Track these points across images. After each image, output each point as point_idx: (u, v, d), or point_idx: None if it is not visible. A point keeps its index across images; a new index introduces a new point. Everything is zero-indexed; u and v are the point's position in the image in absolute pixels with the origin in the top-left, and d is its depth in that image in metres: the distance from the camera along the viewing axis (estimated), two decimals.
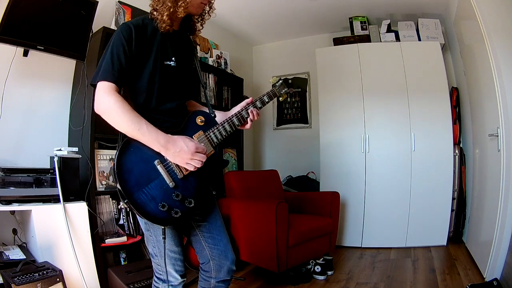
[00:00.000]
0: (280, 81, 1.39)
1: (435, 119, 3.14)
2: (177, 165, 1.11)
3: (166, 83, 1.19)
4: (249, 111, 1.27)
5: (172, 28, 1.20)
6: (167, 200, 1.08)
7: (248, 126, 1.30)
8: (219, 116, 1.30)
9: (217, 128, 1.22)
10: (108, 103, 1.04)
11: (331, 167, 3.44)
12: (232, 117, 1.25)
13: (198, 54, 1.44)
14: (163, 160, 1.10)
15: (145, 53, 1.15)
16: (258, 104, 1.30)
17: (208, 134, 1.20)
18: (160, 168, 1.09)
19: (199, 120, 1.22)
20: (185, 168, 1.12)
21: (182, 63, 1.26)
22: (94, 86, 1.09)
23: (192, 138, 1.16)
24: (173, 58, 1.21)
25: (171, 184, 1.09)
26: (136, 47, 1.12)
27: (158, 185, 1.09)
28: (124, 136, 1.10)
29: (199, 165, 1.11)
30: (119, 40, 1.10)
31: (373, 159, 3.25)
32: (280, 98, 1.38)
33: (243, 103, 1.30)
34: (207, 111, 1.29)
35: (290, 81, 1.46)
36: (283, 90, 1.38)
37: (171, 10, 1.14)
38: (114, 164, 1.06)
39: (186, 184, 1.12)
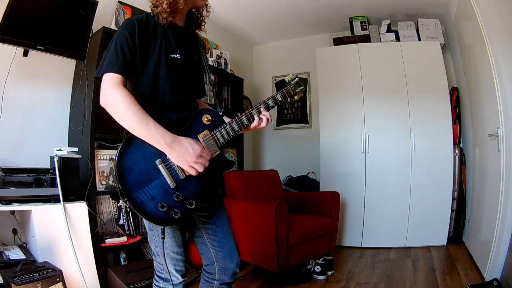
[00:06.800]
0: (296, 78, 1.32)
1: (435, 119, 3.14)
2: (179, 166, 1.09)
3: (173, 76, 1.17)
4: (261, 109, 1.22)
5: (174, 20, 1.18)
6: (167, 201, 1.07)
7: (263, 124, 1.23)
8: (227, 119, 1.26)
9: (224, 127, 1.17)
10: (115, 96, 1.02)
11: (331, 167, 3.43)
12: (241, 116, 1.20)
13: (207, 56, 1.39)
14: (164, 159, 1.08)
15: (149, 46, 1.14)
16: (271, 103, 1.24)
17: (214, 133, 1.16)
18: (161, 167, 1.08)
19: (206, 119, 1.17)
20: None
21: (188, 57, 1.23)
22: (99, 79, 1.07)
23: (198, 137, 1.13)
24: (178, 51, 1.19)
25: (172, 185, 1.08)
26: (140, 41, 1.11)
27: (159, 185, 1.07)
28: (128, 133, 1.08)
29: (201, 170, 1.08)
30: (122, 33, 1.10)
31: (373, 159, 3.25)
32: (296, 97, 1.31)
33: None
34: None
35: (295, 76, 1.38)
36: (299, 89, 1.30)
37: (171, 0, 1.14)
38: (114, 162, 1.05)
39: (188, 185, 1.10)
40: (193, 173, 1.08)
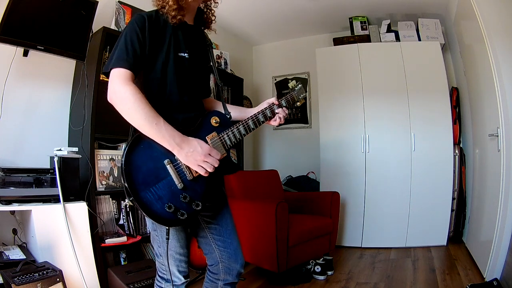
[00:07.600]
0: (300, 85, 1.33)
1: (435, 119, 3.14)
2: (187, 166, 1.08)
3: (180, 76, 1.16)
4: (276, 110, 1.25)
5: (183, 18, 1.17)
6: (174, 201, 1.05)
7: (277, 122, 1.26)
8: (235, 112, 1.27)
9: (231, 130, 1.17)
10: (124, 93, 1.00)
11: (331, 167, 3.43)
12: (248, 120, 1.20)
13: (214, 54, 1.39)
14: (173, 159, 1.07)
15: (158, 44, 1.12)
16: (276, 108, 1.26)
17: (222, 136, 1.16)
18: (169, 167, 1.06)
19: (214, 121, 1.18)
20: (195, 170, 1.09)
21: (196, 57, 1.22)
22: (107, 75, 1.05)
23: (206, 138, 1.13)
24: (186, 50, 1.17)
25: (179, 185, 1.07)
26: (150, 36, 1.09)
27: (166, 185, 1.06)
28: (135, 131, 1.07)
29: (210, 169, 1.07)
30: (132, 28, 1.08)
31: (373, 159, 3.25)
32: (298, 103, 1.32)
33: (264, 103, 1.27)
34: (223, 111, 1.25)
35: (299, 83, 1.41)
36: (302, 95, 1.32)
37: None
38: (122, 160, 1.03)
39: (195, 186, 1.10)
40: (202, 172, 1.07)
